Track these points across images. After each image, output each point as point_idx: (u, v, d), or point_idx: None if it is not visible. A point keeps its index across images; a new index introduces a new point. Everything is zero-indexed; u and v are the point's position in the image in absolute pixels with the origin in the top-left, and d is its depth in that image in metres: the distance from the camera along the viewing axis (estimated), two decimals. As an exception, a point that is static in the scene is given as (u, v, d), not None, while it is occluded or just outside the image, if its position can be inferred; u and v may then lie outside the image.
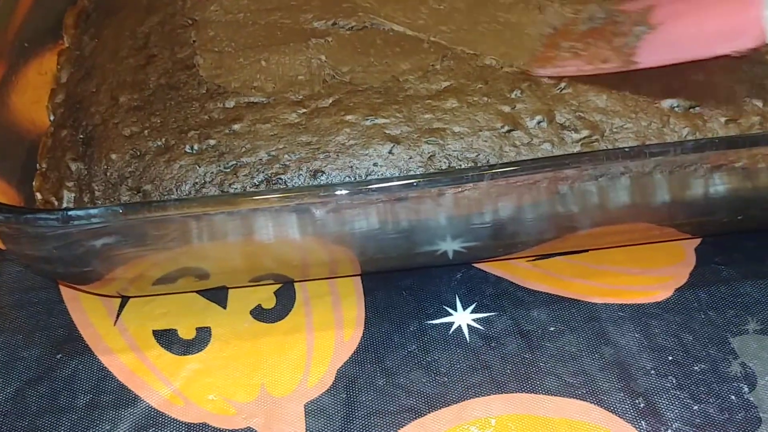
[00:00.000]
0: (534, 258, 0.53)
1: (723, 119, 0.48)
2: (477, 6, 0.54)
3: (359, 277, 0.52)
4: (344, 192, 0.41)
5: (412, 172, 0.47)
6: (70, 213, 0.39)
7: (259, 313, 0.51)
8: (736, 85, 0.49)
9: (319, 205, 0.42)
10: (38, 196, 0.48)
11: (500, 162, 0.46)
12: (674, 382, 0.46)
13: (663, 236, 0.52)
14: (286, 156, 0.47)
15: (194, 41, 0.53)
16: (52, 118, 0.52)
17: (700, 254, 0.53)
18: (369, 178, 0.46)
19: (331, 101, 0.49)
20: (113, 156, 0.48)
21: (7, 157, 0.50)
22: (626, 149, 0.43)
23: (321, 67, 0.50)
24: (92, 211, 0.39)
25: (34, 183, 0.49)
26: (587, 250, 0.53)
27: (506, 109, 0.48)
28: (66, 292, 0.52)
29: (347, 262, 0.49)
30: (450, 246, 0.48)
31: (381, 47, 0.51)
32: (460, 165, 0.47)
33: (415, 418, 0.45)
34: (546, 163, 0.43)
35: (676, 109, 0.48)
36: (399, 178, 0.43)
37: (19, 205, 0.45)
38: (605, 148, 0.47)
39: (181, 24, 0.54)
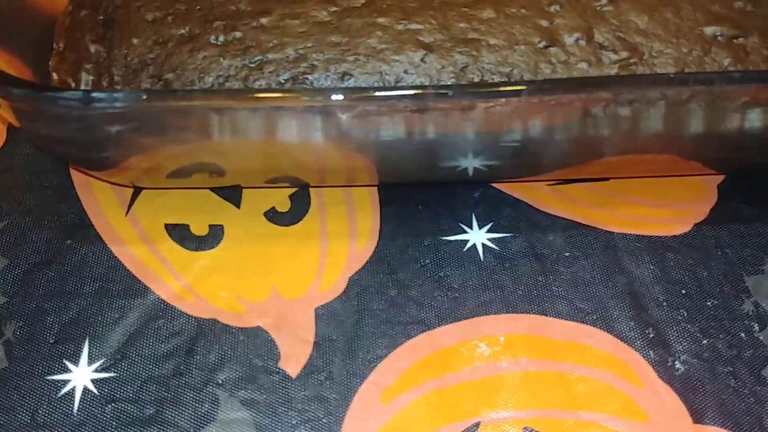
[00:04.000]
0: (554, 182, 0.52)
1: (766, 52, 0.47)
2: None
3: (375, 188, 0.52)
4: (369, 96, 0.39)
5: (443, 82, 0.45)
6: (93, 95, 0.38)
7: (273, 216, 0.50)
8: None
9: (343, 109, 0.41)
10: (54, 75, 0.46)
11: (535, 79, 0.45)
12: (685, 315, 0.46)
13: (688, 170, 0.51)
14: (314, 55, 0.45)
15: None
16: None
17: (722, 191, 0.52)
18: (399, 84, 0.45)
19: (363, 1, 0.47)
20: (135, 41, 0.46)
21: (23, 33, 0.48)
22: (670, 75, 0.41)
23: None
24: (116, 95, 0.38)
25: (50, 62, 0.47)
26: (608, 179, 0.52)
27: (544, 23, 0.47)
28: (77, 178, 0.51)
29: (365, 171, 0.48)
30: (471, 163, 0.47)
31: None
32: (493, 79, 0.45)
33: (425, 330, 0.45)
34: (583, 84, 0.41)
35: (719, 38, 0.47)
36: (429, 87, 0.42)
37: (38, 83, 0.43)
38: (643, 72, 0.46)
39: None
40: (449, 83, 0.45)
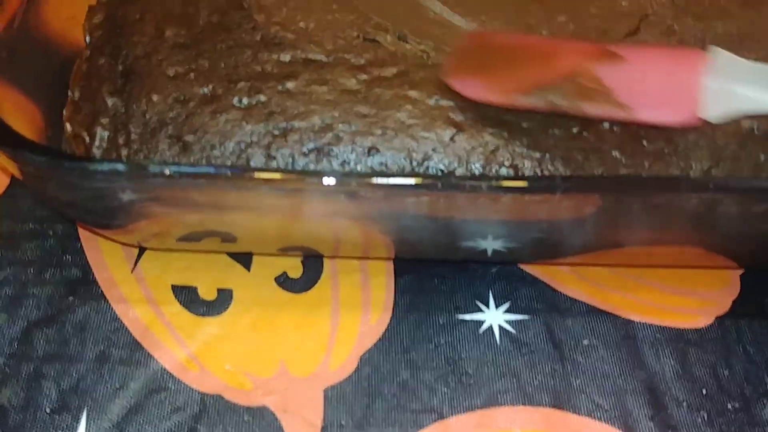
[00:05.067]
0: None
1: (801, 151, 0.45)
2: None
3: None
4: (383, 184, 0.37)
5: (472, 164, 0.43)
6: (97, 168, 0.36)
7: (284, 281, 0.48)
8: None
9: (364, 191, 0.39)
10: (68, 127, 0.44)
11: (565, 173, 0.43)
12: (705, 418, 0.44)
13: (712, 263, 0.50)
14: (340, 126, 0.43)
15: (251, -21, 0.48)
16: (88, 39, 0.48)
17: (745, 283, 0.50)
18: (426, 163, 0.43)
19: (395, 71, 0.45)
20: (155, 97, 0.44)
21: (37, 72, 0.46)
22: (702, 182, 0.40)
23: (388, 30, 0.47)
24: (119, 167, 0.36)
25: (64, 111, 0.45)
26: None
27: (578, 106, 0.45)
28: (83, 230, 0.49)
29: (382, 247, 0.47)
30: (490, 245, 0.45)
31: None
32: (524, 164, 0.44)
33: (438, 420, 0.43)
34: (595, 185, 0.39)
35: (756, 131, 0.45)
36: (425, 177, 0.39)
37: (44, 144, 0.41)
38: (676, 163, 0.45)
39: (240, -47, 0.50)
40: (477, 165, 0.43)
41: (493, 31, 0.47)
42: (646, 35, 0.48)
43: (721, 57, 0.40)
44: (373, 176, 0.37)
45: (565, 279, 0.50)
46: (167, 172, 0.35)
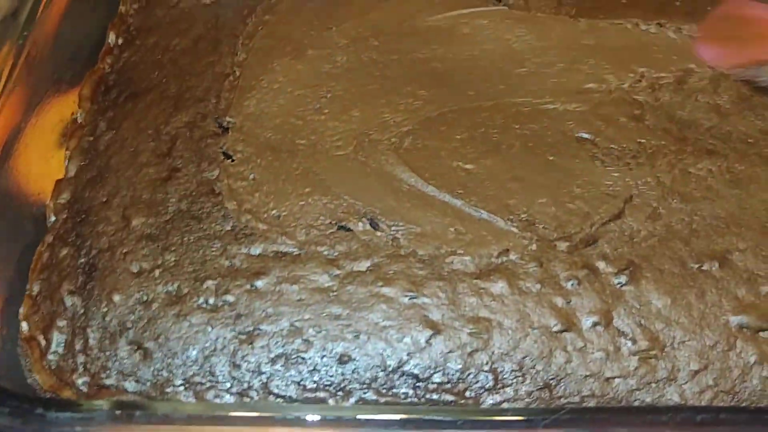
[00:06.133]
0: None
1: (795, 350, 0.44)
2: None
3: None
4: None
5: (449, 368, 0.41)
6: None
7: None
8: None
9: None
10: (24, 326, 0.42)
11: (546, 374, 0.41)
12: None
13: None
14: (311, 330, 0.41)
15: (223, 159, 0.47)
16: (53, 218, 0.46)
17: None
18: (401, 369, 0.41)
19: (369, 265, 0.43)
20: (116, 297, 0.42)
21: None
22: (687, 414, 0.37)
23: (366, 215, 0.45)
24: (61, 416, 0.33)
25: (21, 309, 0.43)
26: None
27: (560, 302, 0.43)
28: None
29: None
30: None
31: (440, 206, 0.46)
32: (503, 367, 0.42)
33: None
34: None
35: (745, 330, 0.44)
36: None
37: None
38: (663, 366, 0.43)
39: (213, 131, 0.49)
40: (456, 369, 0.41)
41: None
42: (631, 219, 0.46)
43: None
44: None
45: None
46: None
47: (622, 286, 0.44)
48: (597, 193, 0.47)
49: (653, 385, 0.42)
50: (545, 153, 0.49)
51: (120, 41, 0.56)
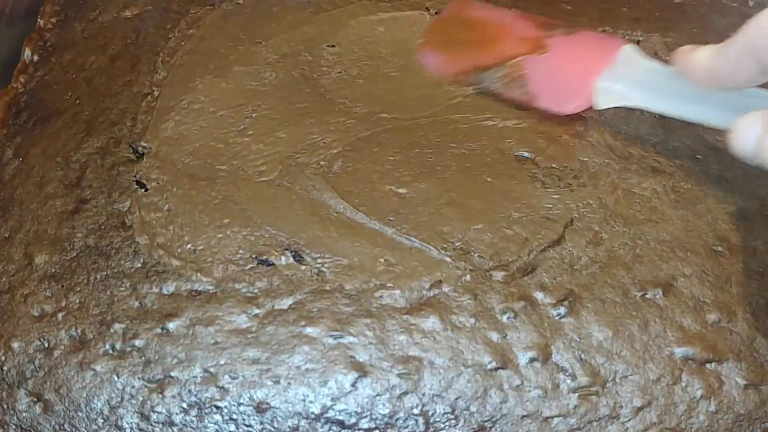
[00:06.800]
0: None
1: (743, 382, 0.41)
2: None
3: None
4: None
5: (377, 413, 0.39)
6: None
7: None
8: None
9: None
10: None
11: (480, 416, 0.39)
12: None
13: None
14: (226, 376, 0.38)
15: (136, 188, 0.44)
16: (-51, 256, 0.43)
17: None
18: (325, 415, 0.38)
19: (291, 302, 0.41)
20: (15, 344, 0.39)
21: None
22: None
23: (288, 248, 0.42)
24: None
25: None
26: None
27: (495, 337, 0.41)
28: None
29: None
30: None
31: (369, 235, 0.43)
32: (435, 410, 0.39)
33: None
34: None
35: (691, 362, 0.41)
36: None
37: None
38: (605, 403, 0.40)
39: (126, 157, 0.45)
40: (384, 413, 0.39)
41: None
42: (571, 245, 0.44)
43: (627, 52, 0.45)
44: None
45: None
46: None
47: (561, 317, 0.42)
48: (536, 218, 0.45)
49: (594, 423, 0.40)
50: (483, 174, 0.46)
51: (35, 58, 0.52)
